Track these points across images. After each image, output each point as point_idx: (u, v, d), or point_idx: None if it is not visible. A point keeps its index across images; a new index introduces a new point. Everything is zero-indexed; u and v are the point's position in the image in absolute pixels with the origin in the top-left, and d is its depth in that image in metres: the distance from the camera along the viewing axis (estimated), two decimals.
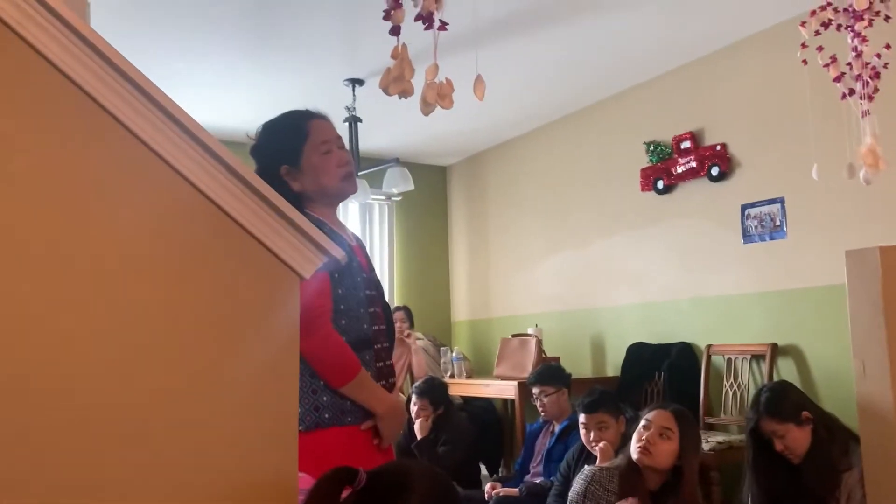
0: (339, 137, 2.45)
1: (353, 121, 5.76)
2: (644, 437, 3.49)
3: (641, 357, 5.66)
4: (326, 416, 2.26)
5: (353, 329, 2.31)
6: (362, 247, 2.55)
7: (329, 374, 2.24)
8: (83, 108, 1.09)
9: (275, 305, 1.17)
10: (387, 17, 2.33)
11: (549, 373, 5.07)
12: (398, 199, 7.80)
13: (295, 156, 2.36)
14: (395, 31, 2.33)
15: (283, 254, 1.17)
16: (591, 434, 4.29)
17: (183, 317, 1.13)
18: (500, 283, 7.51)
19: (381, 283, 5.85)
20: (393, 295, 7.79)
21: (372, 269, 2.49)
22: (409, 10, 2.37)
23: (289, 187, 2.35)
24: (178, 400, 1.12)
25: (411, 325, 6.79)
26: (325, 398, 2.27)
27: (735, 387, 5.07)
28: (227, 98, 5.88)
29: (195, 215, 1.14)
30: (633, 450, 3.52)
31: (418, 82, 2.35)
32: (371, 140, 7.03)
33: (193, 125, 1.15)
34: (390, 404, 2.35)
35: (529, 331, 6.46)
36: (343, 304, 2.29)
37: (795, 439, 3.36)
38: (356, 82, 5.59)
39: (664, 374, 5.40)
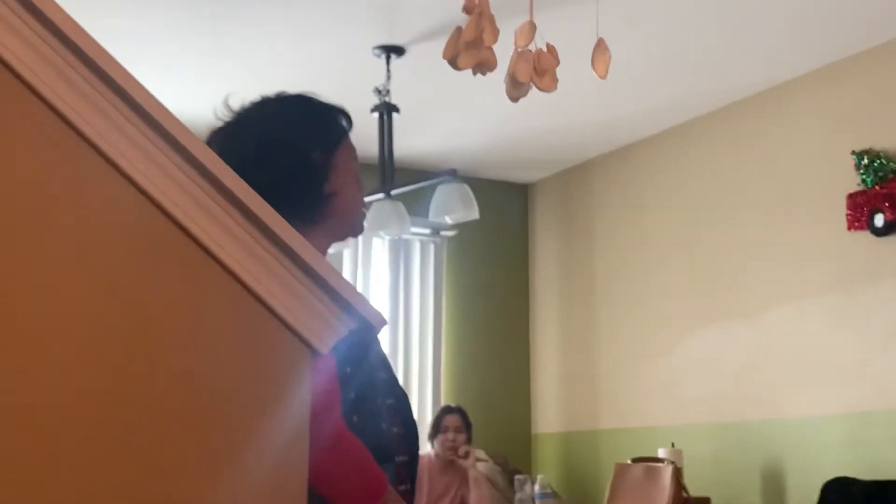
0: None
1: (387, 110, 4.55)
2: None
3: (847, 502, 4.53)
4: None
5: (369, 429, 1.85)
6: None
7: (346, 499, 1.73)
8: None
9: (269, 395, 1.02)
10: None
11: None
12: (452, 233, 5.92)
13: (326, 154, 1.87)
14: None
15: (289, 314, 1.02)
16: None
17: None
18: (614, 377, 5.84)
19: (424, 366, 5.84)
20: (439, 389, 5.86)
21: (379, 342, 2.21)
22: None
23: (320, 185, 1.85)
24: None
25: (468, 439, 5.38)
26: None
27: None
28: (176, 78, 4.82)
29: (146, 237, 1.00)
30: None
31: (503, 51, 2.22)
32: (412, 141, 5.53)
33: (163, 116, 0.98)
34: None
35: (661, 453, 5.13)
36: (354, 390, 1.86)
37: None
38: (392, 51, 4.60)
39: None
